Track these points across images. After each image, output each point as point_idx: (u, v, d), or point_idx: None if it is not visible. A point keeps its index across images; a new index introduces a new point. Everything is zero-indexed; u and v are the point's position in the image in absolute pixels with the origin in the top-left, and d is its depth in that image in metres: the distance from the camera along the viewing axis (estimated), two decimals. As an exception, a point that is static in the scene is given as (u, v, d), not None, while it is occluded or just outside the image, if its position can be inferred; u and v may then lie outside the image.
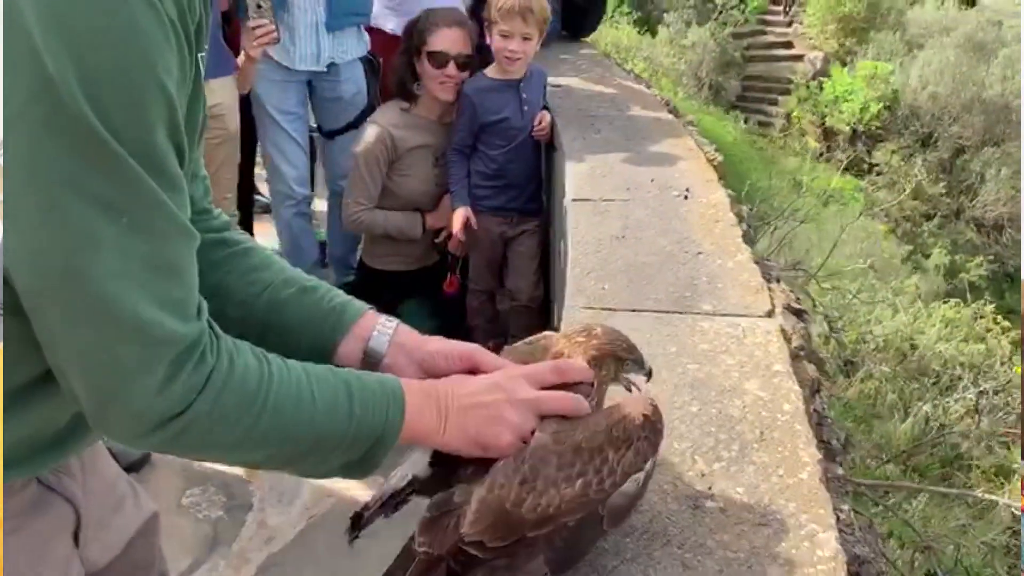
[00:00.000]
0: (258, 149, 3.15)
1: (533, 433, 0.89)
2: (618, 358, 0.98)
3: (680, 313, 1.54)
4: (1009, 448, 3.95)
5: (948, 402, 5.08)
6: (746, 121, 15.44)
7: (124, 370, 0.68)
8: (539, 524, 0.87)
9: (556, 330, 1.20)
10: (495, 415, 0.88)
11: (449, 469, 0.93)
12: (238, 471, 2.51)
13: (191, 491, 2.47)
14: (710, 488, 1.14)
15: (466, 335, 2.88)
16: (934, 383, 5.59)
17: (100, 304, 0.66)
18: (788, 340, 1.47)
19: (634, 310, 1.56)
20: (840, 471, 1.23)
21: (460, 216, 2.68)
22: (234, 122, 2.68)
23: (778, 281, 1.72)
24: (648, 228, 1.88)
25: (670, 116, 2.72)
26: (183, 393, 0.71)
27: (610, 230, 1.87)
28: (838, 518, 1.10)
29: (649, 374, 1.02)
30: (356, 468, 0.84)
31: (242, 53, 2.69)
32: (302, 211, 3.08)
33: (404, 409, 0.84)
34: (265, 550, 2.29)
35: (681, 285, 1.64)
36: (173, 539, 2.31)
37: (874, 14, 19.33)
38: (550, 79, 2.87)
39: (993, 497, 2.43)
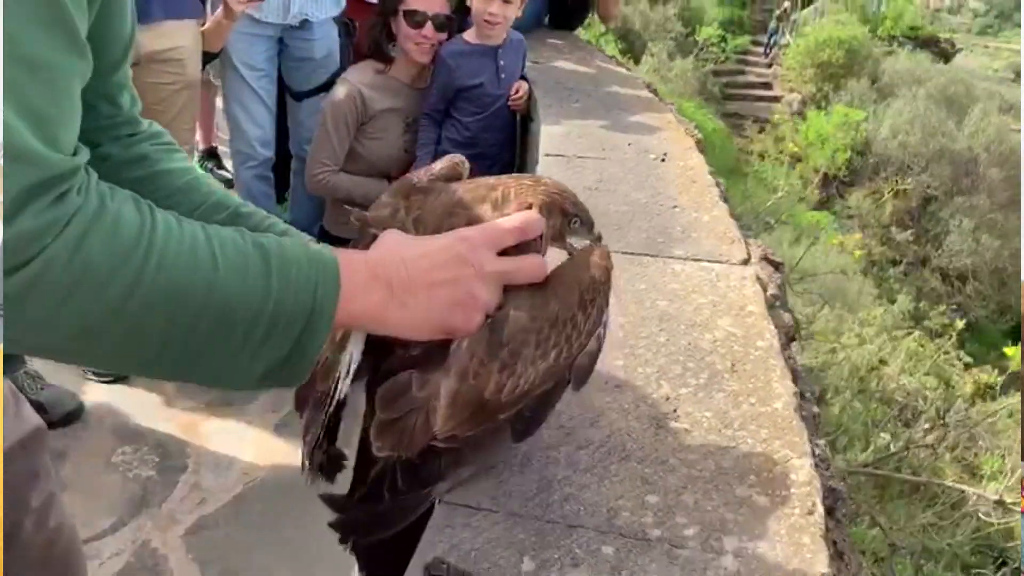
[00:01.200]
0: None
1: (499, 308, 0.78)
2: (565, 212, 0.87)
3: (652, 256, 1.46)
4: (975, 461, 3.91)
5: (909, 433, 5.05)
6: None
7: None
8: (514, 404, 0.78)
9: None
10: (464, 295, 0.74)
11: (381, 352, 0.82)
12: (175, 429, 2.37)
13: (123, 448, 2.33)
14: (675, 411, 1.04)
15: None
16: (897, 415, 5.56)
17: None
18: (764, 287, 1.39)
19: (604, 250, 1.47)
20: (816, 411, 1.14)
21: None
22: (195, 68, 2.56)
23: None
24: (623, 183, 1.79)
25: (650, 95, 2.65)
26: (35, 228, 0.55)
27: (584, 182, 1.79)
28: (813, 451, 1.01)
29: (598, 239, 0.91)
30: (282, 370, 0.66)
31: (218, 9, 2.58)
32: (263, 174, 2.95)
33: (339, 283, 0.68)
34: (196, 512, 2.15)
35: (655, 232, 1.55)
36: (100, 497, 2.17)
37: (851, 61, 19.71)
38: (531, 61, 2.79)
39: (965, 487, 2.36)
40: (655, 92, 2.75)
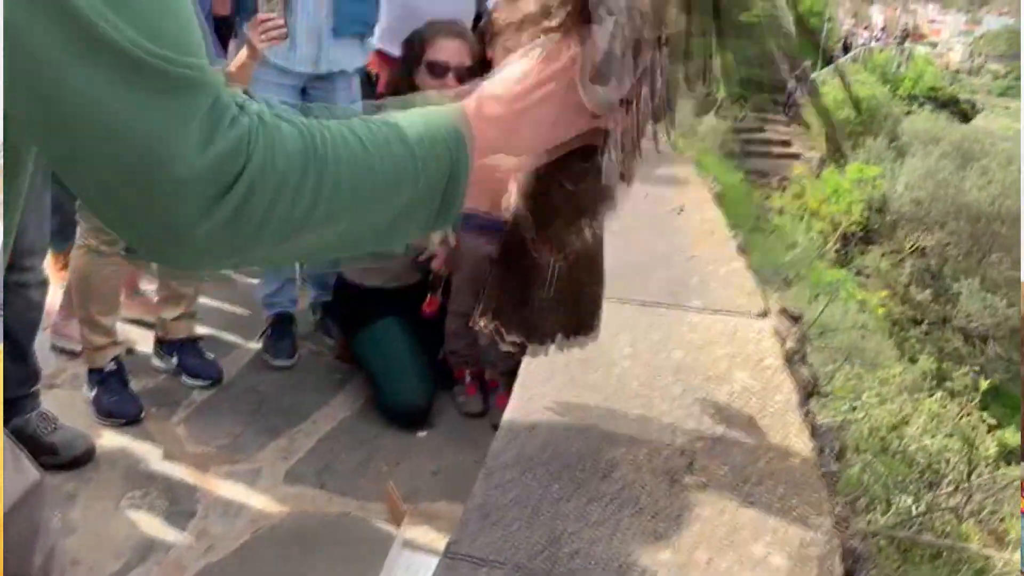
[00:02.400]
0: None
1: None
2: None
3: (669, 306, 1.44)
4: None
5: (932, 495, 4.94)
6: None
7: (157, 130, 0.56)
8: None
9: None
10: (562, 104, 0.84)
11: None
12: (185, 474, 2.35)
13: (132, 493, 2.30)
14: (691, 464, 1.02)
15: (443, 362, 2.76)
16: (919, 476, 5.46)
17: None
18: (782, 341, 1.37)
19: (621, 300, 1.45)
20: (835, 468, 1.11)
21: (441, 231, 2.59)
22: None
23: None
24: (642, 232, 1.79)
25: (670, 149, 2.66)
26: (230, 150, 0.59)
27: (599, 231, 1.78)
28: (832, 510, 0.98)
29: None
30: (440, 217, 0.77)
31: (242, 50, 2.61)
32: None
33: (462, 137, 0.77)
34: (203, 559, 2.12)
35: (672, 283, 1.54)
36: (108, 541, 2.14)
37: (871, 120, 19.84)
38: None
39: (991, 552, 2.29)
40: (674, 145, 2.76)
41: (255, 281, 3.20)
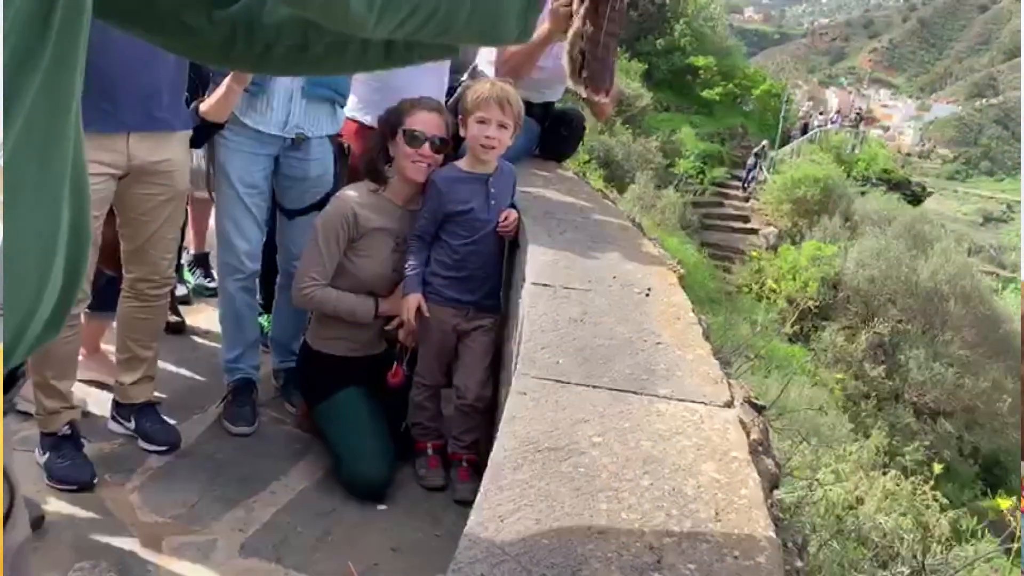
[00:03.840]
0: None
1: None
2: None
3: (636, 393, 1.46)
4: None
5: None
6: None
7: None
8: None
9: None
10: None
11: None
12: (136, 545, 2.29)
13: (81, 565, 2.23)
14: (659, 561, 1.03)
15: (405, 433, 2.75)
16: (873, 556, 5.48)
17: None
18: (747, 432, 1.39)
19: (589, 385, 1.47)
20: (800, 564, 1.13)
21: (412, 303, 2.60)
22: (183, 180, 2.60)
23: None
24: (608, 316, 1.82)
25: (635, 228, 2.72)
26: None
27: (569, 313, 1.81)
28: (797, 608, 0.99)
29: None
30: (531, 11, 0.88)
31: (225, 81, 2.59)
32: (249, 287, 2.97)
33: None
34: (151, 635, 2.05)
35: (639, 369, 1.56)
36: (51, 615, 2.07)
37: (826, 199, 20.37)
38: (521, 190, 2.87)
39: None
40: (639, 226, 2.83)
41: (217, 346, 3.17)
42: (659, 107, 23.16)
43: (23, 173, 0.67)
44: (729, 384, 1.54)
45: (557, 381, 1.47)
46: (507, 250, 2.73)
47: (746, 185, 22.73)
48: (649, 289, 2.01)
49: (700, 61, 25.15)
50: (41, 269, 0.73)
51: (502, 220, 2.63)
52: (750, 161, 22.85)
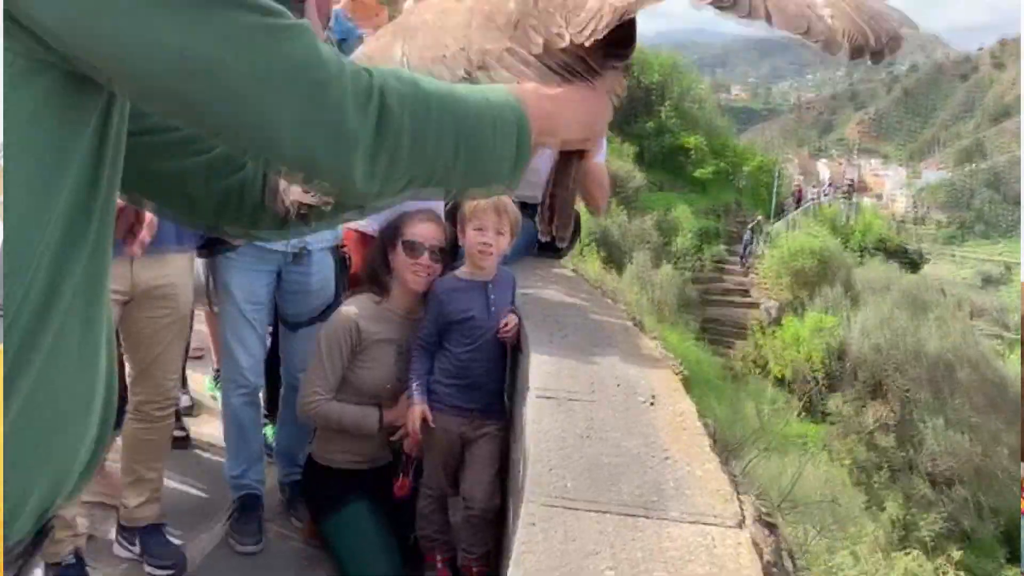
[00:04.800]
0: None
1: None
2: None
3: (647, 517, 1.45)
4: None
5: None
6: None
7: (334, 107, 0.72)
8: None
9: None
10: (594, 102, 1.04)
11: None
12: None
13: None
14: None
15: (414, 545, 2.71)
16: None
17: (291, 70, 0.70)
18: (760, 554, 1.37)
19: (599, 511, 1.46)
20: None
21: (417, 412, 2.60)
22: (186, 301, 2.63)
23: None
24: (614, 429, 1.81)
25: (635, 328, 2.73)
26: (351, 65, 0.74)
27: (575, 427, 1.80)
28: None
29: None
30: (515, 166, 0.91)
31: None
32: (252, 400, 2.96)
33: (524, 103, 0.91)
34: None
35: (648, 488, 1.55)
36: None
37: (825, 269, 20.48)
38: (521, 290, 2.89)
39: None
40: (640, 324, 2.84)
41: (222, 459, 3.15)
42: (653, 186, 23.52)
43: (68, 342, 0.72)
44: (739, 500, 1.52)
45: (566, 507, 1.46)
46: (510, 354, 2.73)
47: (744, 259, 22.90)
48: (654, 396, 2.01)
49: (690, 141, 25.65)
50: (80, 427, 0.77)
51: (502, 326, 2.64)
52: (746, 235, 23.08)
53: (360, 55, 1.12)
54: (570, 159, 1.15)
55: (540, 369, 2.18)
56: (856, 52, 0.92)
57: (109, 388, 0.83)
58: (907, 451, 16.29)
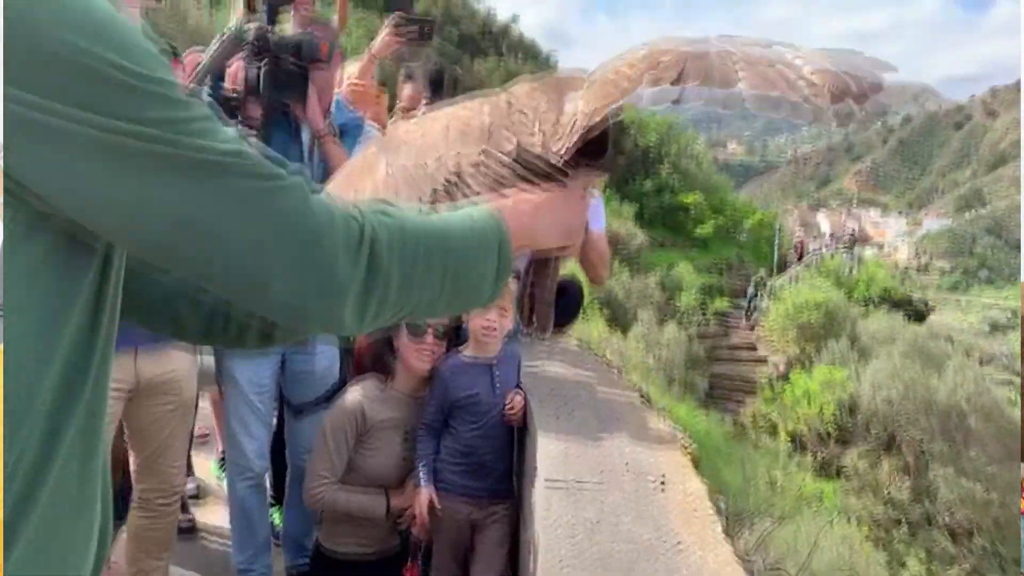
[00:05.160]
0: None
1: None
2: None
3: (661, 610, 1.42)
4: None
5: None
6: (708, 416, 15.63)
7: (326, 259, 0.73)
8: None
9: None
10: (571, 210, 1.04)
11: None
12: None
13: None
14: None
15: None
16: None
17: (284, 225, 0.71)
18: (779, 646, 1.34)
19: (611, 605, 1.43)
20: None
21: (424, 497, 2.56)
22: (190, 390, 2.62)
23: (763, 579, 1.61)
24: (624, 515, 1.78)
25: (642, 402, 2.71)
26: (342, 212, 0.75)
27: (585, 515, 1.78)
28: None
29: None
30: (497, 282, 0.92)
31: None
32: (259, 486, 2.93)
33: (503, 221, 0.93)
34: None
35: (661, 579, 1.52)
36: None
37: (830, 323, 20.40)
38: (526, 365, 2.88)
39: None
40: (647, 398, 2.82)
41: (229, 546, 3.10)
42: (654, 244, 23.62)
43: (67, 489, 0.72)
44: (755, 588, 1.49)
45: (578, 604, 1.43)
46: (517, 434, 2.71)
47: (749, 314, 22.84)
48: (664, 478, 1.99)
49: (689, 198, 25.85)
50: (77, 567, 0.76)
51: (508, 406, 2.62)
52: (750, 290, 23.07)
53: (349, 168, 1.16)
54: (548, 258, 1.16)
55: (548, 452, 2.16)
56: (837, 98, 0.92)
57: (105, 521, 0.83)
58: (924, 504, 16.02)
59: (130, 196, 0.65)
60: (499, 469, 2.64)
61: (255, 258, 0.70)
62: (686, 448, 2.27)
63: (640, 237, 21.71)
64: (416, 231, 0.82)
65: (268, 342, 1.05)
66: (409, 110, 2.86)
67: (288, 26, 2.70)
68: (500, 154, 1.05)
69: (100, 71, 0.62)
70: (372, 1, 23.45)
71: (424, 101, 2.85)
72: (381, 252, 0.77)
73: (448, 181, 1.05)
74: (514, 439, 2.71)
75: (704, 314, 22.01)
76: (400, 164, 1.10)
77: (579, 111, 1.02)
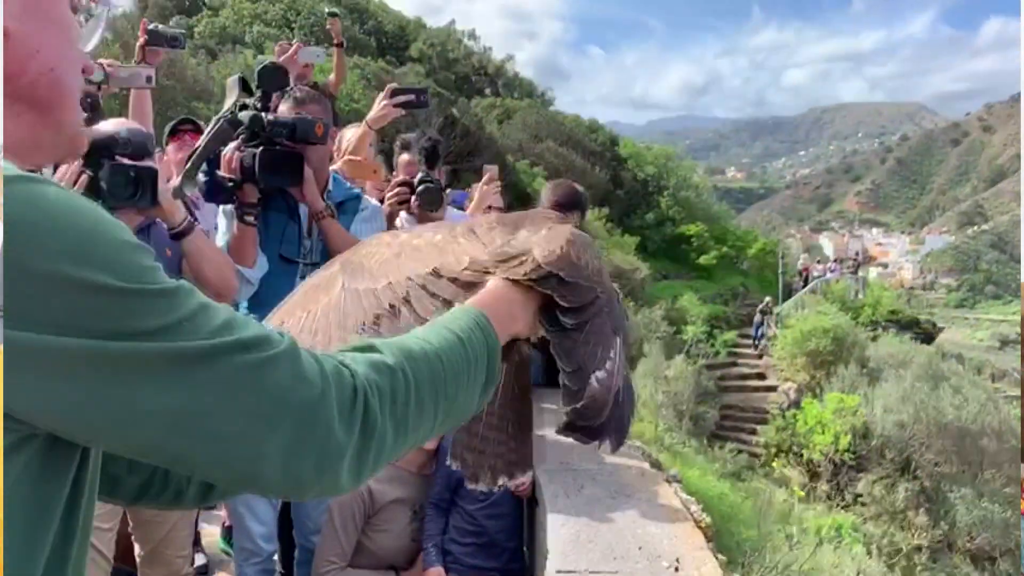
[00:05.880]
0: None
1: None
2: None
3: None
4: None
5: None
6: (722, 447, 15.48)
7: (323, 427, 0.70)
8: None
9: None
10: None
11: None
12: None
13: None
14: None
15: None
16: None
17: (277, 406, 0.68)
18: None
19: None
20: None
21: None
22: None
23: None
24: (639, 608, 1.74)
25: (653, 470, 2.67)
26: (336, 374, 0.73)
27: (598, 610, 1.74)
28: None
29: None
30: (487, 387, 0.92)
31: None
32: (267, 568, 2.88)
33: (492, 326, 0.94)
34: None
35: None
36: None
37: (839, 348, 20.31)
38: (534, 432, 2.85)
39: None
40: (657, 463, 2.78)
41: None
42: (657, 276, 23.60)
43: None
44: None
45: None
46: (526, 509, 2.67)
47: (757, 342, 22.75)
48: (678, 561, 1.94)
49: (691, 229, 25.88)
50: None
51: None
52: (757, 318, 22.98)
53: (308, 284, 1.20)
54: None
55: (559, 536, 2.12)
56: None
57: None
58: (942, 528, 15.82)
59: (120, 408, 0.62)
60: (509, 548, 2.60)
61: (251, 439, 0.67)
62: (699, 523, 2.23)
63: (643, 270, 21.70)
64: (407, 374, 0.80)
65: (206, 500, 1.02)
66: (405, 182, 2.86)
67: (282, 105, 2.70)
68: (452, 271, 1.07)
69: (88, 296, 0.61)
70: (367, 47, 23.72)
71: (420, 172, 2.85)
72: (374, 411, 0.75)
73: (392, 306, 1.07)
74: (523, 513, 2.67)
75: (712, 345, 21.94)
76: (353, 287, 1.12)
77: (532, 256, 1.06)
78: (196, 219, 2.45)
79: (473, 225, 1.17)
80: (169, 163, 3.16)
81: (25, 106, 0.74)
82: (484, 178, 3.27)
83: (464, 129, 20.70)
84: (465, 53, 28.39)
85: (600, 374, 1.01)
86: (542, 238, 1.10)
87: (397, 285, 1.08)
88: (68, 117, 0.79)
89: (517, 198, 20.70)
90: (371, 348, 0.82)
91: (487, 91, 27.76)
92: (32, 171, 0.65)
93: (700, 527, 2.19)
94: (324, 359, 0.75)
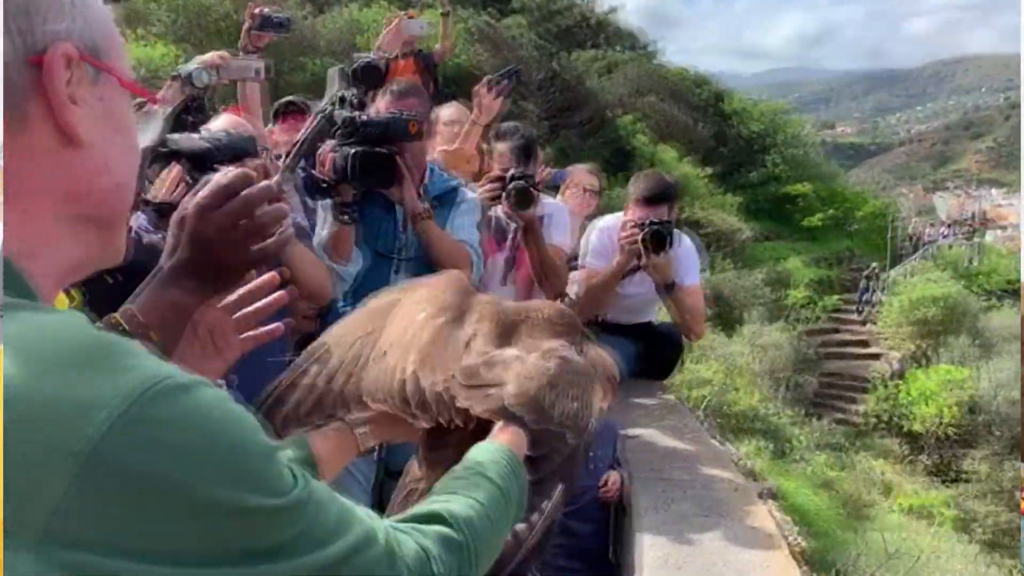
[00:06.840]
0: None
1: None
2: None
3: None
4: None
5: None
6: (819, 418, 15.07)
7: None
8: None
9: None
10: None
11: None
12: None
13: None
14: None
15: None
16: None
17: None
18: None
19: None
20: None
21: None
22: None
23: None
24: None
25: (748, 483, 2.60)
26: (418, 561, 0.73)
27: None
28: None
29: None
30: (519, 512, 0.96)
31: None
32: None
33: (519, 461, 0.97)
34: None
35: None
36: None
37: (950, 318, 19.42)
38: (622, 429, 2.80)
39: None
40: (752, 474, 2.70)
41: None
42: (760, 238, 22.95)
43: None
44: None
45: None
46: (614, 514, 2.64)
47: (861, 310, 21.99)
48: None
49: (798, 188, 24.97)
50: None
51: (602, 485, 2.55)
52: (862, 284, 22.18)
53: (331, 334, 1.23)
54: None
55: (650, 557, 2.08)
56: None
57: None
58: (1050, 510, 15.13)
59: None
60: (596, 552, 2.58)
61: None
62: (794, 548, 2.16)
63: (746, 231, 21.13)
64: (470, 549, 0.82)
65: None
66: (498, 177, 2.80)
67: (380, 99, 2.68)
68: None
69: (238, 519, 0.57)
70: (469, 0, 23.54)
71: (512, 169, 2.78)
72: None
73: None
74: (610, 520, 2.64)
75: (814, 310, 21.29)
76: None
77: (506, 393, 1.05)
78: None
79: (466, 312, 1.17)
80: (277, 143, 3.19)
81: (90, 226, 0.66)
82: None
83: (564, 83, 20.43)
84: (568, 3, 27.86)
85: (519, 525, 0.99)
86: (523, 370, 1.07)
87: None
88: (122, 231, 0.72)
89: (618, 152, 20.41)
90: (438, 518, 0.82)
91: (589, 44, 27.24)
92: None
93: (795, 554, 2.12)
94: (406, 545, 0.73)
